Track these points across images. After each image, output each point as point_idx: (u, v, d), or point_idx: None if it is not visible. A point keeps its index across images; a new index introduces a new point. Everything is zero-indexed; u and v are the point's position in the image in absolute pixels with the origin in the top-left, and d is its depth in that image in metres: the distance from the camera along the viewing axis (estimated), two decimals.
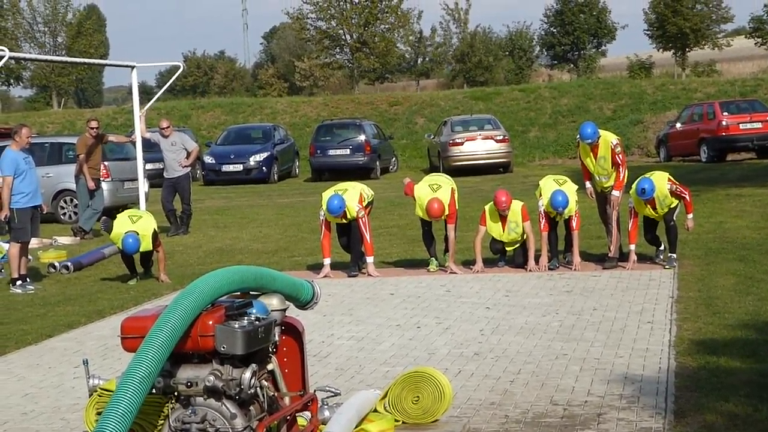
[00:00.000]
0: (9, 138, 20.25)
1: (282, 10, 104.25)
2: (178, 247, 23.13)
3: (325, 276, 17.85)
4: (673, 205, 17.12)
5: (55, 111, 69.47)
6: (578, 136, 17.97)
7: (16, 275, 18.46)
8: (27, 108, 78.63)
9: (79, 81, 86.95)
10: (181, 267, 20.10)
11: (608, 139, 17.71)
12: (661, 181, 16.97)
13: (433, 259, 18.45)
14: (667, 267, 17.10)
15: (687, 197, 17.01)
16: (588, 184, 18.28)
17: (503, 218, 17.78)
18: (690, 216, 17.21)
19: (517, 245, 18.13)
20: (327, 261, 18.22)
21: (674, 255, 17.38)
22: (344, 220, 18.07)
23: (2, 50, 20.30)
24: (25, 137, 19.23)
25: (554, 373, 10.90)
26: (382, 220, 25.54)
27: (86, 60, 60.75)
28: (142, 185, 27.40)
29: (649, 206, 17.08)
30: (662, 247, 17.70)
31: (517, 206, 17.70)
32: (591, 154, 17.68)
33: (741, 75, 59.76)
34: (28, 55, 61.64)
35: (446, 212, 17.73)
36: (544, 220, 17.71)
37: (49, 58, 69.21)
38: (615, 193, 17.73)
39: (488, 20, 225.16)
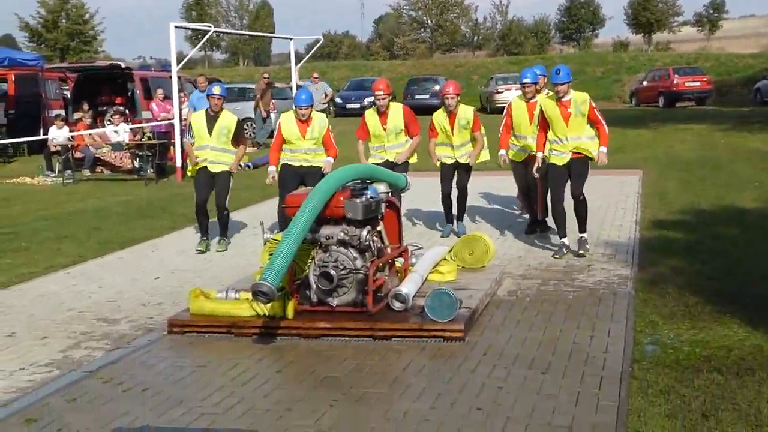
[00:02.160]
0: (211, 84, 20.37)
1: (386, 3, 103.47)
2: None
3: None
4: (588, 139, 9.77)
5: (241, 68, 69.53)
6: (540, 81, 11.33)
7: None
8: (222, 66, 78.57)
9: (256, 48, 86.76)
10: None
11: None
12: (583, 94, 9.91)
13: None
14: (581, 252, 9.79)
15: (604, 127, 9.75)
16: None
17: (452, 115, 10.94)
18: (603, 149, 9.68)
19: (467, 147, 11.07)
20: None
21: (585, 236, 9.93)
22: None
23: (209, 26, 20.43)
24: (201, 83, 20.14)
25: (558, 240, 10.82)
26: None
27: (261, 34, 60.72)
28: None
29: (561, 108, 9.63)
30: (565, 241, 9.93)
31: (469, 110, 11.06)
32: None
33: (686, 51, 58.35)
34: (224, 30, 61.84)
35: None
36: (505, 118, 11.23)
37: (238, 32, 69.27)
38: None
39: (521, 11, 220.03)
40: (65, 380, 6.27)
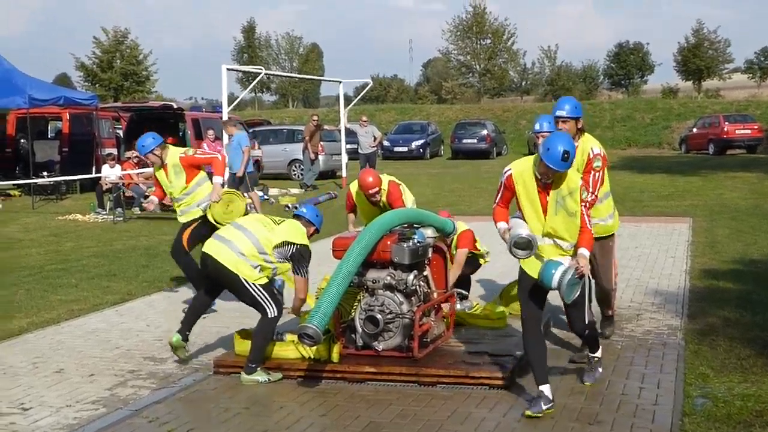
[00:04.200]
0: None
1: (435, 48, 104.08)
2: None
3: None
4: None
5: (290, 109, 70.22)
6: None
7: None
8: (272, 108, 79.39)
9: (305, 91, 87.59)
10: None
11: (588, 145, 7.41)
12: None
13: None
14: (586, 382, 6.80)
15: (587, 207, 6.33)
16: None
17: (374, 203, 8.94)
18: (583, 251, 6.18)
19: None
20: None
21: (597, 355, 6.90)
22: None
23: (260, 68, 20.69)
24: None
25: None
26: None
27: (310, 76, 61.30)
28: (344, 157, 27.62)
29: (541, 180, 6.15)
30: (544, 390, 6.18)
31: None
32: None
33: (737, 98, 57.84)
34: (275, 72, 62.35)
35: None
36: None
37: (287, 74, 69.94)
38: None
39: (569, 57, 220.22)
40: (111, 418, 6.30)
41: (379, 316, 7.05)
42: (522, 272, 6.38)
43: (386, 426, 5.96)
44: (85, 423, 6.21)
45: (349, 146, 29.50)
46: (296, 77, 70.65)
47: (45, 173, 24.29)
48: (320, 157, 27.50)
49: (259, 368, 7.03)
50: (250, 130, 30.34)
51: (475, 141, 42.28)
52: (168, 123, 26.37)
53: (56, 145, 26.97)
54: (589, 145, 7.39)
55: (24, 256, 14.05)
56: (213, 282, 7.45)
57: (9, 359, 7.93)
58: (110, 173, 21.43)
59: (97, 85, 60.76)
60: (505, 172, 6.30)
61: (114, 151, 25.29)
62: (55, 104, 24.33)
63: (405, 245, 7.16)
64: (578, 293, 6.24)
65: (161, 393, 6.87)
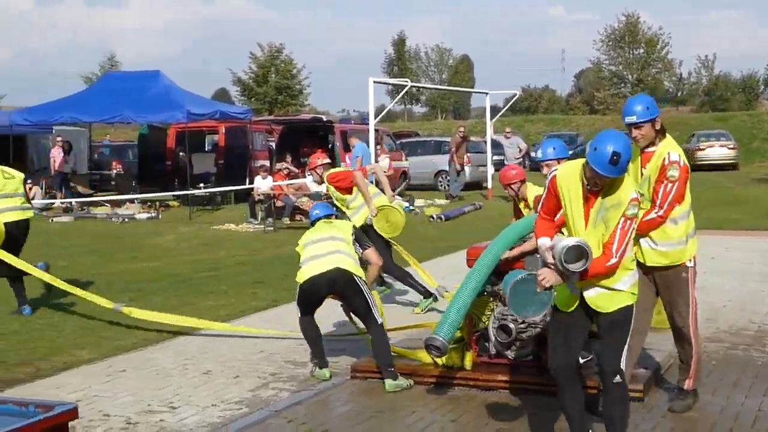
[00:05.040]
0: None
1: (587, 59, 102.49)
2: None
3: None
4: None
5: (439, 121, 70.65)
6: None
7: None
8: (422, 119, 80.00)
9: (455, 102, 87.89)
10: None
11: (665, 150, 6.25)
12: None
13: None
14: None
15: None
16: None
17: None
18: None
19: None
20: None
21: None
22: None
23: (406, 81, 21.04)
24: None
25: (751, 303, 10.46)
26: None
27: (456, 88, 61.55)
28: (490, 169, 27.66)
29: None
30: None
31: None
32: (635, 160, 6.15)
33: None
34: (421, 85, 62.82)
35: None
36: None
37: (434, 86, 70.40)
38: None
39: (727, 66, 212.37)
40: (253, 418, 6.62)
41: (511, 326, 7.11)
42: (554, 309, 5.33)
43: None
44: (228, 422, 6.55)
45: (495, 158, 29.51)
46: (442, 89, 70.97)
47: (202, 185, 25.35)
48: (466, 169, 27.61)
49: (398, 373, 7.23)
50: (398, 142, 30.78)
51: None
52: (318, 135, 27.07)
53: (212, 158, 28.10)
54: (666, 150, 6.24)
55: (178, 264, 14.75)
56: (314, 305, 7.70)
57: (162, 361, 8.40)
58: (262, 184, 22.18)
59: (252, 99, 62.79)
60: (550, 174, 5.36)
61: (266, 163, 26.16)
62: (211, 118, 25.41)
63: (537, 255, 7.21)
64: (539, 313, 5.44)
65: (300, 395, 7.16)
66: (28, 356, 8.59)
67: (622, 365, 5.20)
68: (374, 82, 19.27)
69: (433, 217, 21.17)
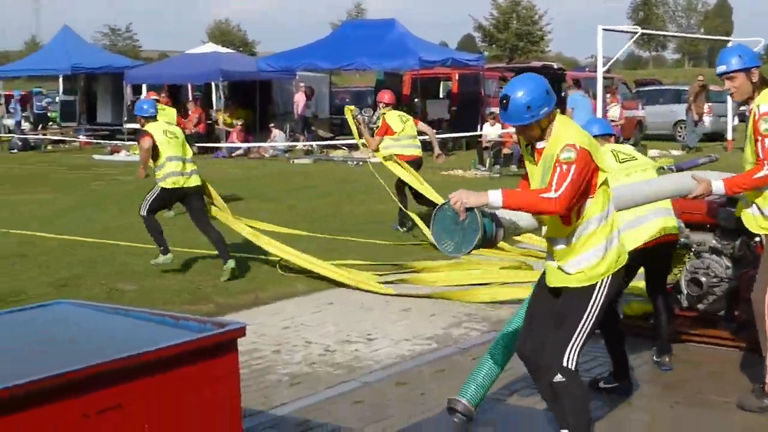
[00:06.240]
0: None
1: None
2: None
3: None
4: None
5: (686, 68, 67.92)
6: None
7: None
8: (669, 67, 77.16)
9: (710, 49, 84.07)
10: None
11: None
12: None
13: None
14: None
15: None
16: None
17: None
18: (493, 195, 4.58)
19: None
20: None
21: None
22: None
23: (636, 28, 20.55)
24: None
25: None
26: None
27: (694, 35, 58.68)
28: (730, 120, 26.39)
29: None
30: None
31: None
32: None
33: None
34: (652, 31, 58.72)
35: None
36: None
37: (665, 33, 66.43)
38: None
39: None
40: (439, 354, 7.01)
41: (703, 279, 7.07)
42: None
43: (690, 384, 6.12)
44: (416, 355, 6.96)
45: (742, 108, 28.01)
46: (677, 36, 67.72)
47: (436, 130, 25.85)
48: (705, 119, 26.57)
49: None
50: (634, 90, 30.00)
51: None
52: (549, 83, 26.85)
53: (446, 104, 28.60)
54: (757, 104, 5.46)
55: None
56: None
57: (368, 297, 8.92)
58: (491, 131, 22.41)
59: (493, 46, 62.89)
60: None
61: (496, 110, 26.28)
62: (443, 65, 25.85)
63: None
64: (467, 246, 4.53)
65: (490, 335, 7.43)
66: (248, 286, 9.39)
67: (566, 362, 4.57)
68: (603, 29, 18.90)
69: (663, 168, 20.61)
